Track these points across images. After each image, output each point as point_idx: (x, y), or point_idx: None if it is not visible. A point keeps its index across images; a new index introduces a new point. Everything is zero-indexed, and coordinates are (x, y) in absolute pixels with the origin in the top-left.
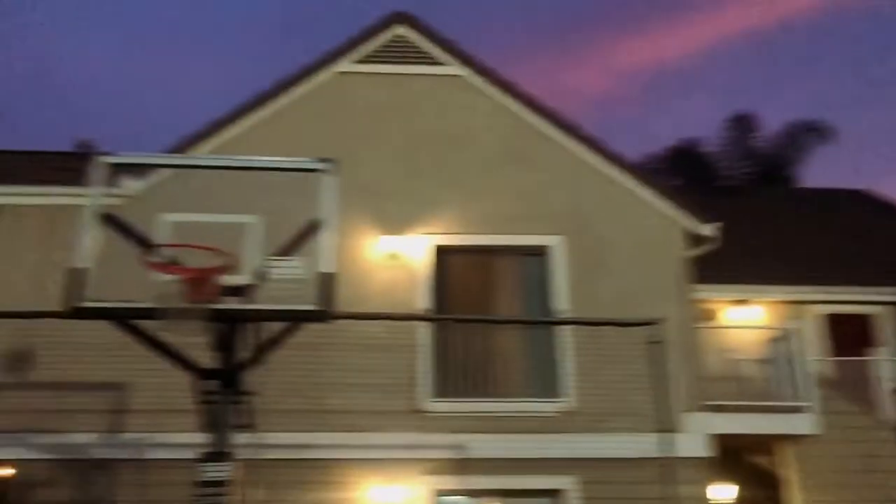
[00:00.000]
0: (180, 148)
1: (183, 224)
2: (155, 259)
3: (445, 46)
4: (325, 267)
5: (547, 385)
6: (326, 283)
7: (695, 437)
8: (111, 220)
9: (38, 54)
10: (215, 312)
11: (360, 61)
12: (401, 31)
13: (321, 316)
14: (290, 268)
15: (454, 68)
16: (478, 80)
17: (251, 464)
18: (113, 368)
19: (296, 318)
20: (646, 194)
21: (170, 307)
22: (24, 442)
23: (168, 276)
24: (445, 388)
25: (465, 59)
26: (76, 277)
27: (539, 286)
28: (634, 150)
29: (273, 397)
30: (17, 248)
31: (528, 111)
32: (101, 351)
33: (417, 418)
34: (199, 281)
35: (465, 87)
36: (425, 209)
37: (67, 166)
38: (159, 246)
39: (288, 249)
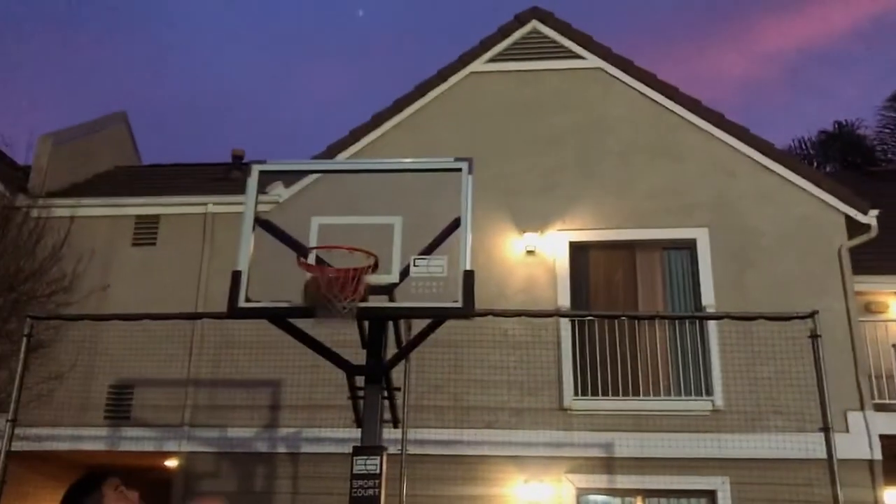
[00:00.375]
0: (325, 154)
1: (330, 226)
2: (306, 260)
3: (581, 40)
4: (465, 264)
5: (695, 383)
6: (466, 280)
7: (860, 437)
8: (266, 225)
9: (191, 71)
10: (363, 311)
11: (495, 59)
12: (535, 27)
13: (463, 313)
14: (432, 266)
15: (591, 61)
16: (616, 72)
17: (398, 458)
18: (269, 366)
19: (438, 315)
20: (799, 181)
21: (321, 306)
22: (188, 435)
23: (319, 277)
24: (589, 385)
25: (602, 52)
26: (235, 280)
27: (684, 281)
28: (783, 135)
29: (418, 394)
30: (177, 255)
31: (670, 101)
32: (258, 349)
33: (560, 416)
34: (348, 281)
35: (602, 80)
36: (565, 205)
37: (222, 176)
38: (310, 248)
39: (430, 248)
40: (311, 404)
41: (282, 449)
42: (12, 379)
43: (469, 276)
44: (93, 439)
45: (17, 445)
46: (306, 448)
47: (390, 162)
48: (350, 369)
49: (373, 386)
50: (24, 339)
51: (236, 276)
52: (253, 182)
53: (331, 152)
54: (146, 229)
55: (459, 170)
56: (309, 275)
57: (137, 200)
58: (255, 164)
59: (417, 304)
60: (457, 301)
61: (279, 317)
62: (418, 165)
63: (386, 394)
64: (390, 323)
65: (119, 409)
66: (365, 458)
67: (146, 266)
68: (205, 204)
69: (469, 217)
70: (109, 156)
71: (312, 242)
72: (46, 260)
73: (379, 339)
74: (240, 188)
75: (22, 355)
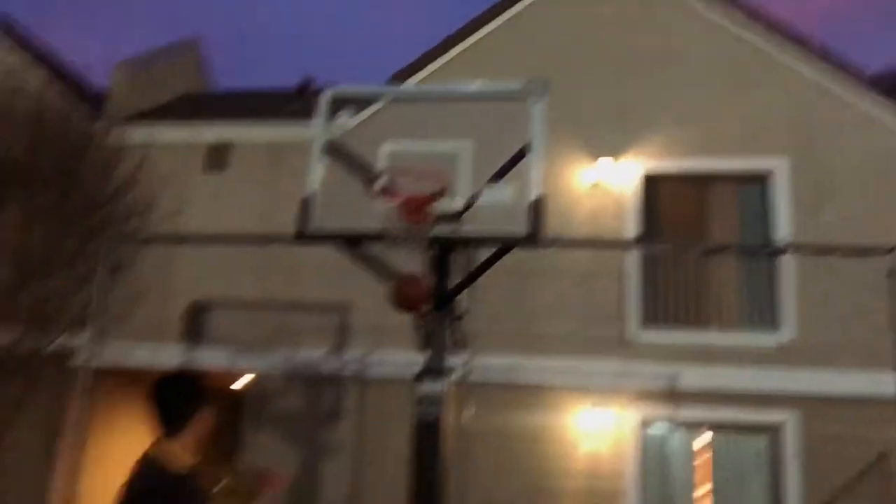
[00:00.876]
0: (396, 79)
1: (400, 153)
2: (375, 186)
3: None
4: (534, 193)
5: (765, 317)
6: (535, 208)
7: None
8: (335, 151)
9: None
10: (430, 237)
11: None
12: None
13: (530, 241)
14: (501, 194)
15: None
16: None
17: (463, 384)
18: (339, 290)
19: (506, 243)
20: (882, 115)
21: (389, 232)
22: (259, 356)
23: (387, 203)
24: (656, 317)
25: None
26: (305, 205)
27: (759, 213)
28: (870, 66)
29: (482, 321)
30: (247, 182)
31: (751, 25)
32: (328, 273)
33: (625, 347)
34: (416, 207)
35: (680, 3)
36: (636, 134)
37: (292, 102)
38: (379, 174)
39: (499, 175)
40: (379, 328)
41: (349, 372)
42: (93, 299)
43: (538, 205)
44: (170, 357)
45: (100, 362)
46: (373, 372)
47: (460, 87)
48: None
49: (439, 312)
50: (104, 262)
51: (307, 200)
52: (324, 107)
53: (399, 78)
54: (218, 156)
55: (531, 94)
56: (384, 200)
57: (209, 127)
58: (327, 89)
59: (485, 232)
60: (525, 229)
61: (348, 241)
62: (490, 90)
63: (451, 320)
64: (458, 249)
65: (195, 329)
66: (429, 382)
67: (217, 192)
68: (275, 129)
69: (540, 143)
70: (183, 82)
71: (381, 167)
72: (122, 185)
73: (445, 265)
74: (310, 114)
75: (101, 276)
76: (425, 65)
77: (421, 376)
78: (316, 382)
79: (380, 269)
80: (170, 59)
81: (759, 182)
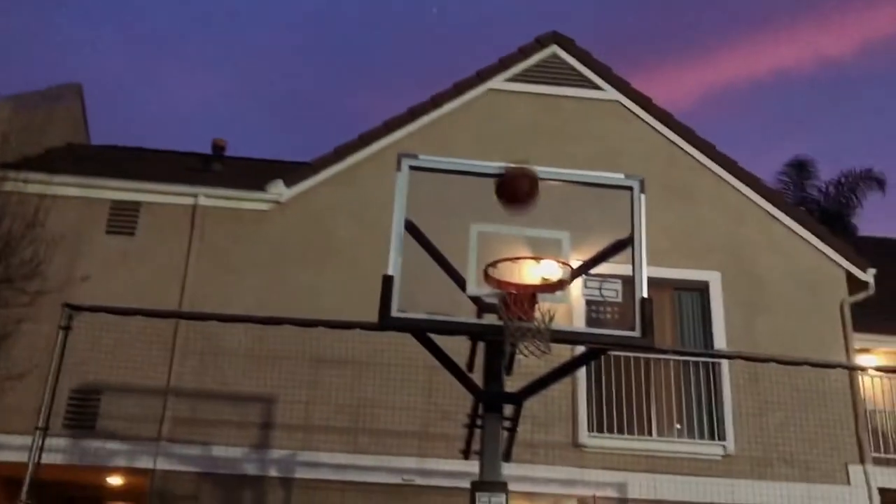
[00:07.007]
0: (333, 156)
1: (490, 235)
2: (479, 275)
3: (600, 70)
4: (641, 291)
5: (708, 427)
6: (644, 308)
7: (860, 490)
8: (411, 228)
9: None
10: (546, 333)
11: (514, 79)
12: (555, 52)
13: (645, 343)
14: (606, 289)
15: (609, 93)
16: (633, 108)
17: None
18: (261, 379)
19: (618, 344)
20: (805, 234)
21: (508, 329)
22: (165, 451)
23: (490, 291)
24: (603, 423)
25: (621, 85)
26: (388, 286)
27: (695, 323)
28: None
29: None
30: (160, 248)
31: (685, 142)
32: (249, 360)
33: (575, 452)
34: (523, 299)
35: (620, 114)
36: (573, 238)
37: (207, 164)
38: (499, 260)
39: (592, 267)
40: (307, 425)
41: (273, 472)
42: None
43: (646, 305)
44: (49, 451)
45: None
46: (301, 473)
47: (557, 171)
48: (483, 396)
49: (493, 414)
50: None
51: (388, 281)
52: (403, 177)
53: (338, 155)
54: (124, 216)
55: (633, 187)
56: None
57: (116, 184)
58: (406, 159)
59: (595, 331)
60: (633, 329)
61: (440, 332)
62: (584, 179)
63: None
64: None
65: (83, 416)
66: (489, 495)
67: (123, 257)
68: (194, 195)
69: (643, 239)
70: (61, 131)
71: (473, 252)
72: (14, 240)
73: (499, 362)
74: (225, 181)
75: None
76: (366, 144)
77: (477, 487)
78: (233, 483)
79: (448, 364)
80: (49, 104)
81: (695, 291)
